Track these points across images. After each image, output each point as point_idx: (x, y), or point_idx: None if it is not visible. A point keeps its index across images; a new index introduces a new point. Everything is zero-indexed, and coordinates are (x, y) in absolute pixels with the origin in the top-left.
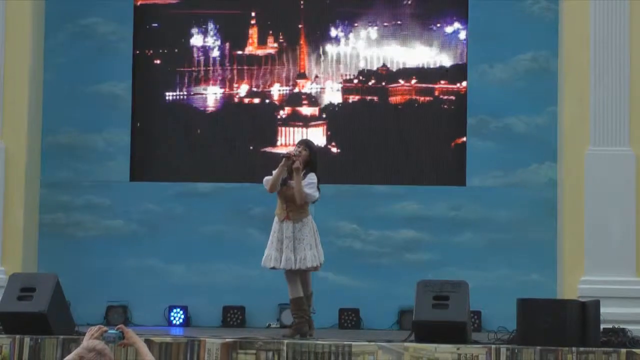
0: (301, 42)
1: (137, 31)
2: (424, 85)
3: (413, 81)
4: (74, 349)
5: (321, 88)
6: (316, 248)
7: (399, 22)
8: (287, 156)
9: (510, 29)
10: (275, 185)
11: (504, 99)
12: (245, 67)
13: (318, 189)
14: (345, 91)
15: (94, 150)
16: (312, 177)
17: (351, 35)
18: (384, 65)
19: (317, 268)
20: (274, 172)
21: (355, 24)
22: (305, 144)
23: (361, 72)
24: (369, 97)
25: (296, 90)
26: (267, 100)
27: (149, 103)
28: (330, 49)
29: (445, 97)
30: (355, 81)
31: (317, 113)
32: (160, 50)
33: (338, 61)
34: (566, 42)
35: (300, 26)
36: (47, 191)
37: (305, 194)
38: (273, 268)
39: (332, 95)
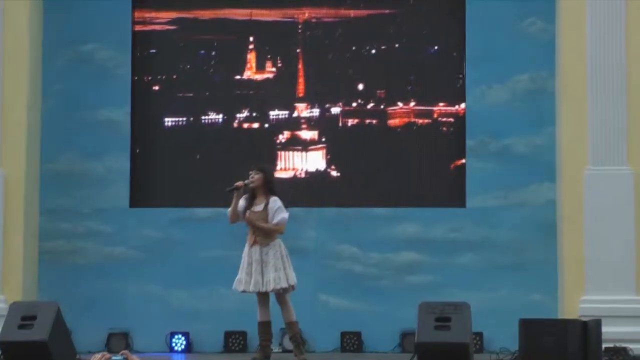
0: (299, 66)
1: (136, 57)
2: (422, 107)
3: (412, 104)
4: None
5: (320, 112)
6: (283, 270)
7: (396, 45)
8: (235, 188)
9: (507, 50)
10: (233, 217)
11: (502, 119)
12: (243, 92)
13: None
14: (345, 114)
15: (94, 177)
16: (275, 202)
17: (349, 58)
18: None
19: (287, 290)
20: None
21: (353, 47)
22: (258, 167)
23: (360, 95)
24: (367, 120)
25: (295, 114)
26: (267, 125)
27: (148, 129)
28: (329, 72)
29: (444, 119)
30: (354, 104)
31: (316, 137)
32: (159, 76)
33: (337, 84)
34: (563, 62)
35: (298, 50)
36: (46, 218)
37: (277, 223)
38: (244, 291)
39: (331, 118)
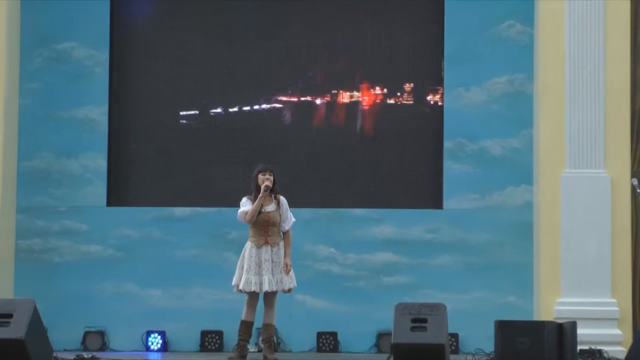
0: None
1: (113, 55)
2: (400, 109)
3: (389, 105)
4: None
5: (299, 111)
6: (291, 270)
7: (373, 46)
8: (269, 188)
9: (486, 52)
10: (254, 216)
11: (480, 122)
12: (222, 91)
13: None
14: (321, 114)
15: (71, 175)
16: (285, 202)
17: (326, 59)
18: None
19: (291, 290)
20: (244, 204)
21: (330, 47)
22: (270, 169)
23: (336, 96)
24: (344, 121)
25: (273, 113)
26: (244, 124)
27: (125, 128)
28: (310, 69)
29: (422, 120)
30: (329, 103)
31: (294, 136)
32: (137, 75)
33: (315, 83)
34: (541, 65)
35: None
36: (23, 217)
37: (291, 220)
38: (253, 292)
39: (308, 118)
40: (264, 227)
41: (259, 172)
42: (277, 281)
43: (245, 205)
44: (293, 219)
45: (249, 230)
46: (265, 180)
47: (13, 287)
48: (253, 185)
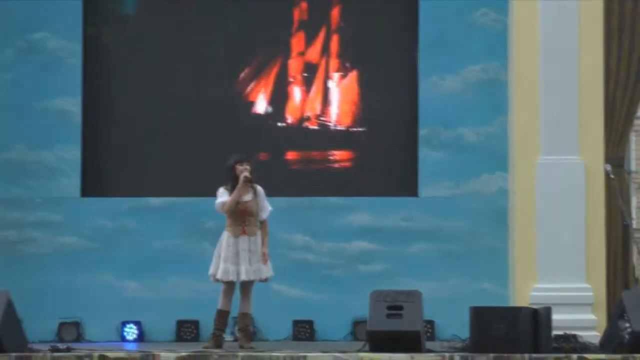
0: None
1: (87, 46)
2: (375, 96)
3: (364, 93)
4: None
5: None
6: (268, 260)
7: (348, 35)
8: (249, 179)
9: (460, 40)
10: (233, 207)
11: (454, 109)
12: (197, 82)
13: None
14: (295, 102)
15: (45, 166)
16: (262, 191)
17: (301, 47)
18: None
19: (268, 279)
20: (222, 195)
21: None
22: (248, 159)
23: (312, 83)
24: (319, 109)
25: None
26: (219, 114)
27: (99, 118)
28: (284, 57)
29: (397, 108)
30: (303, 89)
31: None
32: (110, 65)
33: (289, 72)
34: (516, 53)
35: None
36: None
37: (268, 209)
38: (230, 281)
39: (283, 107)
40: (241, 217)
41: (236, 163)
42: (254, 270)
43: (223, 195)
44: (270, 208)
45: (226, 220)
46: (244, 171)
47: None
48: (230, 176)
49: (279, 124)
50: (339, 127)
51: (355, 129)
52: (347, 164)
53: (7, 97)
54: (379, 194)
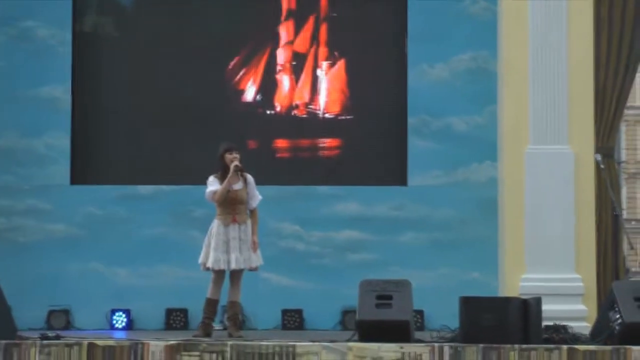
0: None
1: (76, 34)
2: (363, 85)
3: (353, 81)
4: (16, 354)
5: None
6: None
7: (336, 24)
8: (240, 168)
9: (449, 29)
10: (223, 196)
11: (444, 98)
12: (187, 68)
13: None
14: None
15: (34, 154)
16: (252, 180)
17: (289, 36)
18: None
19: (257, 268)
20: (212, 183)
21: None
22: (237, 148)
23: (301, 72)
24: (308, 98)
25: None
26: (208, 101)
27: (88, 106)
28: (273, 46)
29: (386, 97)
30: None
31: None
32: (100, 53)
33: (278, 61)
34: (505, 42)
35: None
36: None
37: (258, 198)
38: (220, 270)
39: (273, 95)
40: (231, 206)
41: (225, 151)
42: (244, 259)
43: (213, 184)
44: (260, 197)
45: (217, 208)
46: (234, 160)
47: None
48: (219, 164)
49: (268, 112)
50: (328, 116)
51: (343, 117)
52: (335, 151)
53: None
54: (368, 183)
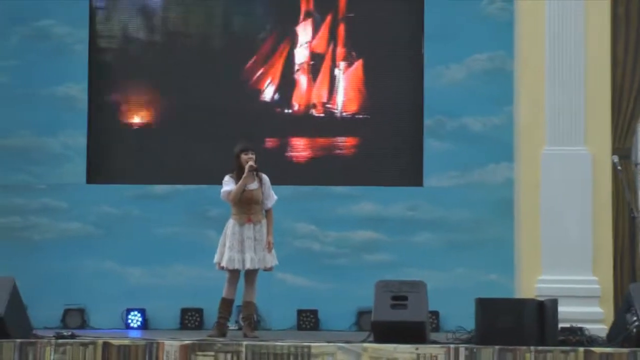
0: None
1: (93, 33)
2: (380, 86)
3: (369, 82)
4: (31, 353)
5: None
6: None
7: (353, 24)
8: (255, 168)
9: (466, 29)
10: (238, 196)
11: (460, 99)
12: (203, 68)
13: None
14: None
15: (50, 153)
16: (268, 180)
17: (307, 37)
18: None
19: (272, 268)
20: (227, 183)
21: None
22: (252, 148)
23: (318, 72)
24: (324, 98)
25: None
26: (224, 101)
27: (105, 105)
28: (290, 46)
29: (402, 97)
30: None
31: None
32: (117, 52)
33: (295, 60)
34: (522, 42)
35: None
36: (2, 194)
37: (274, 198)
38: (235, 270)
39: (289, 97)
40: (246, 205)
41: (241, 152)
42: (259, 259)
43: (229, 184)
44: (275, 197)
45: (232, 208)
46: (249, 160)
47: None
48: (235, 164)
49: (286, 111)
50: (345, 115)
51: (360, 116)
52: (352, 150)
53: (13, 83)
54: (384, 183)
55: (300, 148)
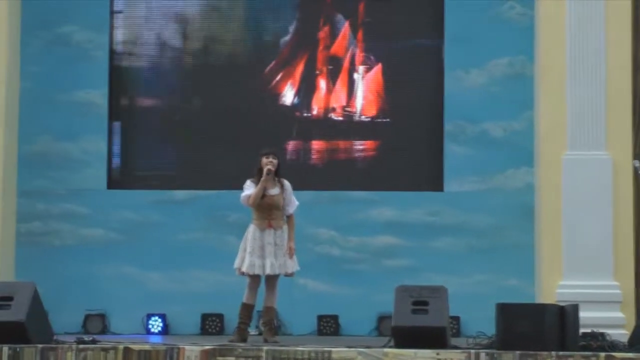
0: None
1: (114, 38)
2: (400, 91)
3: (389, 87)
4: (52, 358)
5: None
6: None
7: (373, 29)
8: (270, 172)
9: (486, 34)
10: (257, 200)
11: (480, 104)
12: (223, 74)
13: None
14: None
15: (71, 158)
16: (289, 186)
17: (327, 40)
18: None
19: (293, 274)
20: (248, 187)
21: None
22: (274, 152)
23: (338, 77)
24: (345, 103)
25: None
26: (245, 105)
27: (126, 111)
28: (310, 50)
29: (422, 103)
30: (330, 86)
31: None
32: (137, 58)
33: (316, 65)
34: (542, 46)
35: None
36: (23, 200)
37: (295, 204)
38: (255, 275)
39: (307, 104)
40: (267, 211)
41: (262, 156)
42: (280, 264)
43: (249, 188)
44: (296, 203)
45: (253, 213)
46: (268, 164)
47: (14, 270)
48: (257, 169)
49: (305, 115)
50: (364, 119)
51: (380, 120)
52: (372, 153)
53: (34, 89)
54: (405, 188)
55: (319, 151)
